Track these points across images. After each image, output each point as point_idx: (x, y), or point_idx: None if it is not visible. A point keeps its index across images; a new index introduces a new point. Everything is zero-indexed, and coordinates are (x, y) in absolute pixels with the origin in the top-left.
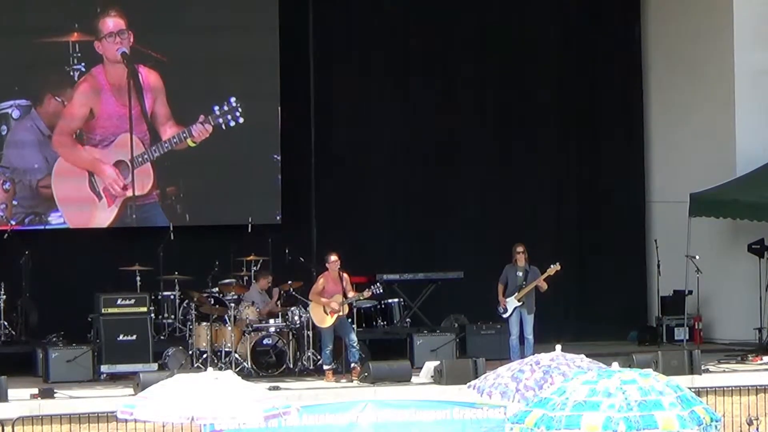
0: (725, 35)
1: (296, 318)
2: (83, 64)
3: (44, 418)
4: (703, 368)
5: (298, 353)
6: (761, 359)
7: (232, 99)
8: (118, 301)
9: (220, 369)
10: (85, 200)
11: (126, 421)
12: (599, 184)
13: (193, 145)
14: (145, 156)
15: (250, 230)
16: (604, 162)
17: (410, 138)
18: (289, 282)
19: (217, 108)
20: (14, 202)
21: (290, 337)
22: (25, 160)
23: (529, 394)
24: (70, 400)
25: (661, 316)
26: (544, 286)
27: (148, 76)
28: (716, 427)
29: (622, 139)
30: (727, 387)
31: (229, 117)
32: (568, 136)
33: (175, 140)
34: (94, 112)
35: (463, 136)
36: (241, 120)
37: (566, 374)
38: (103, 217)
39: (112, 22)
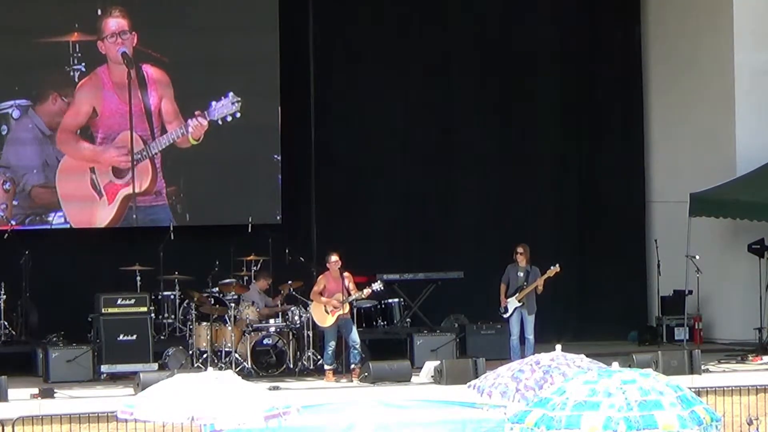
0: (725, 35)
1: (296, 318)
2: (83, 64)
3: (44, 418)
4: (703, 368)
5: (298, 353)
6: (761, 359)
7: (230, 93)
8: (118, 301)
9: (220, 369)
10: (87, 198)
11: (126, 421)
12: (599, 184)
13: (195, 142)
14: (145, 153)
15: (250, 230)
16: (604, 162)
17: (410, 138)
18: (289, 282)
19: (214, 102)
20: (14, 202)
21: (290, 337)
22: (25, 160)
23: (529, 394)
24: (70, 400)
25: (661, 316)
26: (541, 287)
27: (151, 75)
28: (716, 427)
29: (622, 139)
30: (727, 387)
31: (226, 111)
32: (568, 136)
33: (173, 136)
34: (97, 110)
35: (463, 136)
36: (239, 115)
37: (566, 374)
38: (104, 214)
39: (114, 23)
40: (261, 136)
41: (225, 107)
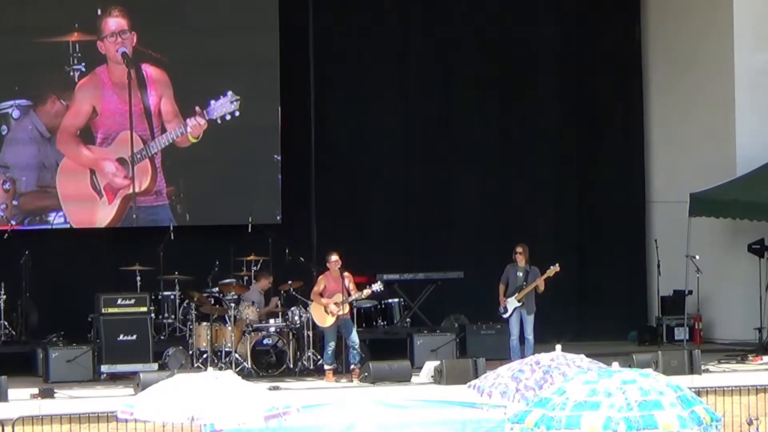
0: (725, 35)
1: (296, 318)
2: (83, 64)
3: (44, 418)
4: (703, 368)
5: (298, 353)
6: (761, 359)
7: (229, 92)
8: (118, 301)
9: (220, 369)
10: (87, 198)
11: (126, 421)
12: (599, 184)
13: (194, 140)
14: (144, 152)
15: (250, 230)
16: (604, 162)
17: (410, 138)
18: (289, 282)
19: (213, 102)
20: (14, 202)
21: (290, 337)
22: (25, 160)
23: (529, 394)
24: (70, 400)
25: (661, 316)
26: (542, 287)
27: (151, 75)
28: (716, 427)
29: (622, 139)
30: (727, 387)
31: (225, 110)
32: (568, 136)
33: (173, 135)
34: (97, 110)
35: (463, 136)
36: (238, 114)
37: (566, 374)
38: (105, 214)
39: (114, 23)
40: (261, 136)
41: (224, 106)
